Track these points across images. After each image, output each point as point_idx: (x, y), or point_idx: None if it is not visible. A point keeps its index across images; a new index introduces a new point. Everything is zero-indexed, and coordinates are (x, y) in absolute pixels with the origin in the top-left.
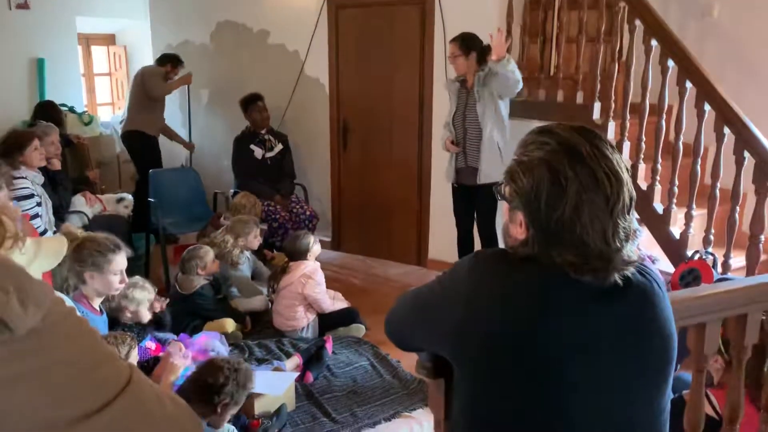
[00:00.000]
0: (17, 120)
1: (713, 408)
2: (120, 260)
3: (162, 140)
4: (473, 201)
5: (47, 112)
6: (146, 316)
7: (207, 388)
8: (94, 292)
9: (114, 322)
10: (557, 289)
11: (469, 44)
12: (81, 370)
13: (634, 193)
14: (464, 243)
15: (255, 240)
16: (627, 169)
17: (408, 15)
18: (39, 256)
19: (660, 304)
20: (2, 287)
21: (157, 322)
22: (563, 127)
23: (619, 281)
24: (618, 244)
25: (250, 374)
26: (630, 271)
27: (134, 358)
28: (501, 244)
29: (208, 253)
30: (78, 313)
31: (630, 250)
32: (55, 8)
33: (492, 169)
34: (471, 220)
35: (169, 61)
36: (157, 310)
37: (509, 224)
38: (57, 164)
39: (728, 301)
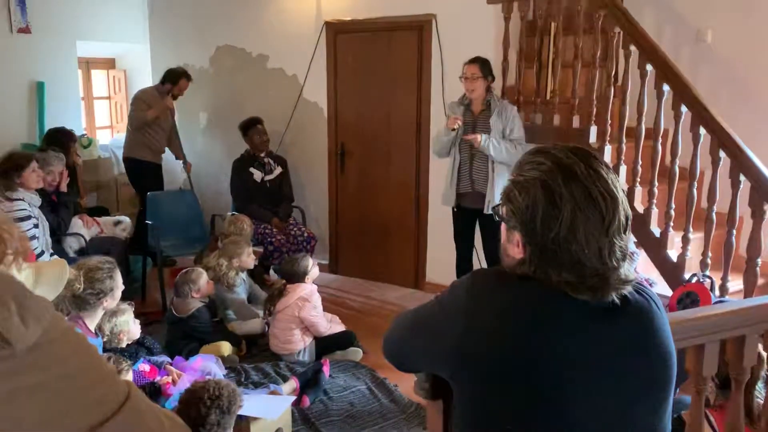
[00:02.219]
0: (16, 143)
1: (713, 429)
2: (119, 272)
3: (166, 160)
4: (476, 225)
5: (57, 138)
6: (137, 331)
7: (190, 421)
8: (99, 314)
9: (107, 348)
10: (555, 308)
11: (487, 67)
12: (81, 385)
13: (630, 212)
14: (463, 266)
15: (249, 258)
16: (623, 189)
17: (406, 40)
18: (39, 285)
19: (659, 323)
20: (2, 302)
21: (146, 349)
22: (559, 147)
23: (617, 300)
24: (614, 263)
25: (234, 396)
26: (628, 290)
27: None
28: None
29: (201, 276)
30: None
31: (627, 269)
32: (56, 32)
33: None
34: (471, 244)
35: (168, 80)
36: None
37: (507, 244)
38: (63, 185)
39: (727, 323)
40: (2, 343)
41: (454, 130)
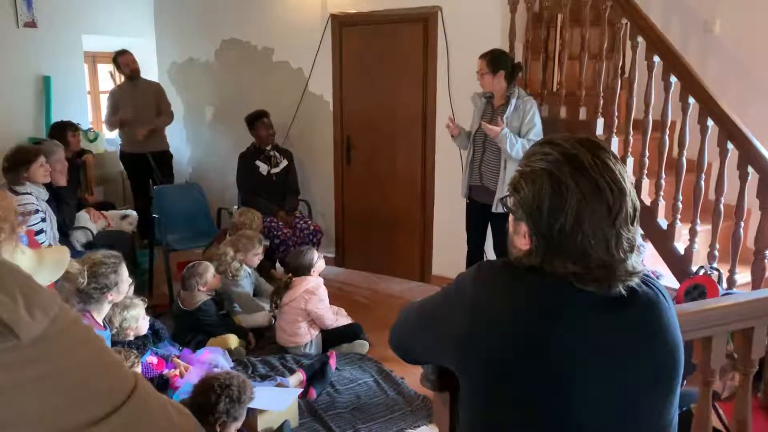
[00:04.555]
0: (23, 137)
1: (721, 421)
2: (125, 266)
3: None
4: (486, 220)
5: (60, 133)
6: (145, 327)
7: (200, 408)
8: (106, 307)
9: (114, 341)
10: (562, 299)
11: (497, 62)
12: (87, 377)
13: (638, 204)
14: (473, 259)
15: (255, 258)
16: (631, 180)
17: (411, 32)
18: (42, 267)
19: (666, 314)
20: (9, 293)
21: (154, 334)
22: (567, 138)
23: (624, 292)
24: (621, 255)
25: (244, 387)
26: (635, 282)
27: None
28: None
29: (208, 270)
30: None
31: (635, 261)
32: (62, 27)
33: None
34: (482, 237)
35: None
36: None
37: (513, 235)
38: (63, 180)
39: (735, 314)
40: (9, 335)
41: (453, 136)
